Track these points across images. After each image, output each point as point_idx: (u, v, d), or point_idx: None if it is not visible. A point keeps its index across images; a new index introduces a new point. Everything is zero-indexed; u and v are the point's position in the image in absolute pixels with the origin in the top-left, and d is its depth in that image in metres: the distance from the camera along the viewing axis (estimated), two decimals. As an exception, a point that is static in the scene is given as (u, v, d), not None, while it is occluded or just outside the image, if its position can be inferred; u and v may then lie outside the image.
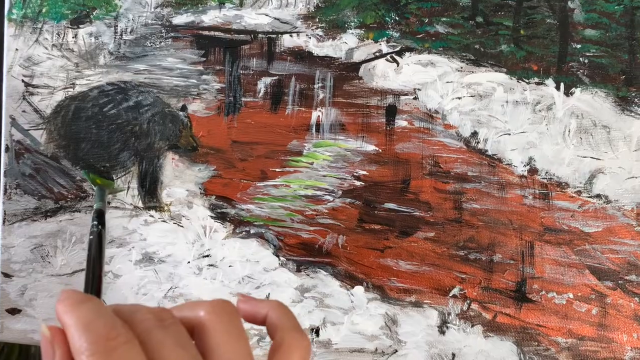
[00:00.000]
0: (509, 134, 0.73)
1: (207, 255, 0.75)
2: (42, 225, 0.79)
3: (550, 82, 0.72)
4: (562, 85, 0.72)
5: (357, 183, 0.75)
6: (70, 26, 0.77)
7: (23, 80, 0.77)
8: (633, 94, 0.71)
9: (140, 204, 0.77)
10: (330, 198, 0.75)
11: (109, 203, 0.70)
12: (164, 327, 0.29)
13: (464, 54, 0.73)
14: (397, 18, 0.73)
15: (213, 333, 0.29)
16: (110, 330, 0.26)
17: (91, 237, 0.36)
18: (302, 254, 0.75)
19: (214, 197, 0.76)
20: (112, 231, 0.76)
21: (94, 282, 0.32)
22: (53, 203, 0.78)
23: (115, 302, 0.69)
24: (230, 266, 0.75)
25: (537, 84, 0.72)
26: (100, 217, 0.35)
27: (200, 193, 0.76)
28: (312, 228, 0.75)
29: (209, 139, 0.76)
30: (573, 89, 0.72)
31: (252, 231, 0.75)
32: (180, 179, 0.76)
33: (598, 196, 0.72)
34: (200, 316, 0.30)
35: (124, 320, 0.28)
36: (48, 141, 0.78)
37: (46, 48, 0.77)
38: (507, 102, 0.72)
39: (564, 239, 0.73)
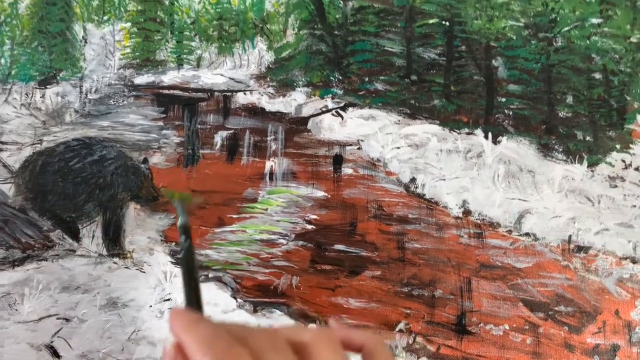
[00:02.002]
0: (444, 180, 0.85)
1: (168, 299, 0.85)
2: (10, 274, 0.88)
3: (479, 132, 0.85)
4: (490, 135, 0.85)
5: (309, 227, 0.86)
6: (38, 87, 0.88)
7: (-7, 138, 0.88)
8: (553, 142, 0.85)
9: (105, 252, 0.87)
10: (284, 241, 0.86)
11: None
12: (277, 350, 0.31)
13: (401, 109, 0.86)
14: (340, 77, 0.86)
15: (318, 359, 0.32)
16: (231, 349, 0.29)
17: (182, 253, 0.39)
18: (259, 295, 0.85)
19: (173, 243, 0.86)
20: (78, 278, 0.86)
21: (195, 298, 0.35)
22: (20, 253, 0.88)
23: (80, 346, 0.80)
24: (190, 309, 0.85)
25: (468, 134, 0.85)
26: (186, 232, 0.38)
27: (161, 240, 0.87)
28: (267, 270, 0.86)
29: (170, 189, 0.87)
30: (500, 138, 0.85)
31: (211, 275, 0.86)
32: (142, 227, 0.87)
33: (527, 234, 0.84)
34: (306, 341, 0.32)
35: (238, 340, 0.30)
36: (16, 194, 0.88)
37: (15, 107, 0.88)
38: (441, 150, 0.85)
39: (498, 275, 0.85)
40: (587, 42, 0.81)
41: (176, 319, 0.32)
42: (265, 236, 0.85)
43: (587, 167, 0.82)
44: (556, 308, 0.83)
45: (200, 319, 0.32)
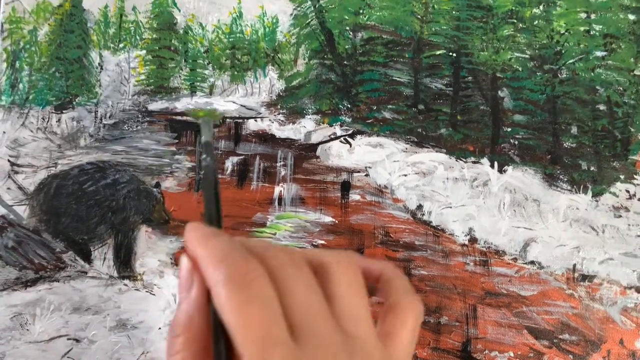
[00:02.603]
0: (451, 207, 0.89)
1: (177, 322, 0.88)
2: (22, 295, 0.91)
3: (485, 161, 0.88)
4: (495, 164, 0.88)
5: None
6: (54, 111, 0.93)
7: (9, 160, 0.92)
8: (558, 172, 0.88)
9: (115, 274, 0.91)
10: (292, 266, 0.89)
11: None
12: (296, 267, 0.30)
13: (408, 137, 0.89)
14: (349, 105, 0.90)
15: (338, 283, 0.31)
16: (246, 264, 0.28)
17: (203, 171, 0.39)
18: (266, 319, 0.88)
19: (184, 266, 0.90)
20: (89, 299, 0.89)
21: (215, 215, 0.34)
22: (33, 273, 0.91)
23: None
24: (198, 332, 0.88)
25: (474, 162, 0.89)
26: (209, 149, 0.37)
27: (171, 263, 0.90)
28: (274, 294, 0.89)
29: (180, 213, 0.91)
30: (506, 167, 0.88)
31: (219, 298, 0.89)
32: (152, 250, 0.90)
33: (532, 262, 0.87)
34: (325, 262, 0.32)
35: (254, 254, 0.29)
36: (30, 216, 0.92)
37: (31, 131, 0.92)
38: (447, 178, 0.89)
39: (503, 302, 0.87)
40: (592, 74, 0.85)
41: (191, 233, 0.31)
42: (273, 261, 0.87)
43: (592, 197, 0.85)
44: (561, 336, 0.85)
45: (216, 233, 0.31)
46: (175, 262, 0.89)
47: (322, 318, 0.29)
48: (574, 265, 0.85)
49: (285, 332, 0.27)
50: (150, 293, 0.89)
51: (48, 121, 0.90)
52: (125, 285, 0.90)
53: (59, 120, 0.90)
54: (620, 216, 0.85)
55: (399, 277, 0.36)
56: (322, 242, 0.88)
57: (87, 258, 0.89)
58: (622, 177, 0.86)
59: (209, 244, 0.30)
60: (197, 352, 0.29)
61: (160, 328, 0.88)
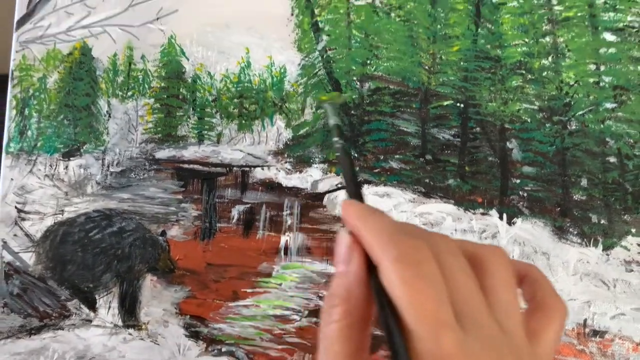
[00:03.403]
0: (459, 259, 0.90)
1: (181, 373, 0.90)
2: (26, 343, 0.93)
3: (494, 212, 0.90)
4: (504, 216, 0.90)
5: (322, 303, 0.91)
6: (62, 158, 0.96)
7: (16, 207, 0.95)
8: (568, 224, 0.89)
9: (120, 323, 0.92)
10: (297, 317, 0.91)
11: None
12: (454, 255, 0.31)
13: (416, 187, 0.91)
14: (356, 155, 0.92)
15: (492, 275, 0.32)
16: (415, 243, 0.29)
17: (338, 154, 0.41)
18: (271, 371, 0.90)
19: (188, 316, 0.91)
20: (93, 348, 0.90)
21: (358, 193, 0.36)
22: (38, 321, 0.93)
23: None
24: (202, 383, 0.89)
25: (482, 214, 0.90)
26: (340, 132, 0.41)
27: (176, 312, 0.92)
28: (280, 347, 0.90)
29: (186, 262, 0.93)
30: (515, 219, 0.90)
31: (223, 349, 0.90)
32: (157, 299, 0.92)
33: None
34: (481, 254, 0.33)
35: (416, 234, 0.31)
36: (36, 263, 0.94)
37: (39, 178, 0.95)
38: (455, 230, 0.90)
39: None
40: (602, 126, 0.87)
41: (352, 209, 0.33)
42: (278, 311, 0.89)
43: (602, 250, 0.86)
44: (572, 394, 0.86)
45: (376, 210, 0.33)
46: (180, 311, 0.90)
47: (483, 309, 0.30)
48: (585, 320, 0.86)
49: (453, 317, 0.28)
50: (155, 343, 0.91)
51: (55, 168, 0.92)
52: (130, 334, 0.92)
53: (66, 168, 0.93)
54: (631, 270, 0.86)
55: (545, 278, 0.37)
56: (328, 293, 0.89)
57: (92, 306, 0.91)
58: (633, 230, 0.87)
59: (372, 220, 0.32)
60: (353, 322, 0.31)
61: (163, 379, 0.90)
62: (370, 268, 0.31)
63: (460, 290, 0.29)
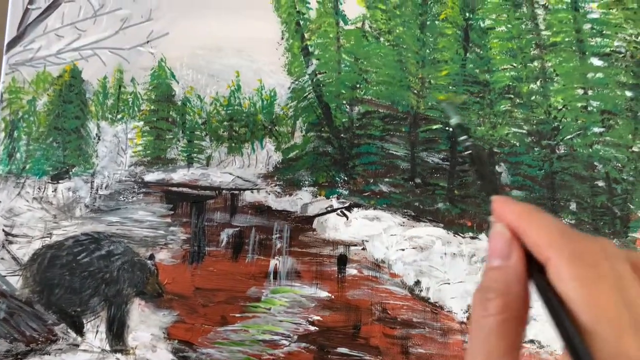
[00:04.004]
0: (449, 283, 0.90)
1: (168, 399, 0.90)
2: (12, 368, 0.93)
3: (483, 236, 0.91)
4: (494, 239, 0.90)
5: (312, 328, 0.91)
6: (50, 181, 0.96)
7: (4, 230, 0.95)
8: (557, 248, 0.90)
9: (108, 347, 0.92)
10: (287, 343, 0.91)
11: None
12: (622, 261, 0.30)
13: (405, 210, 0.92)
14: (345, 178, 0.94)
15: None
16: (590, 244, 0.30)
17: (468, 151, 0.40)
18: (259, 397, 0.90)
19: (176, 341, 0.91)
20: (79, 374, 0.90)
21: (497, 189, 0.35)
22: (24, 346, 0.93)
23: None
24: (190, 410, 0.89)
25: (472, 238, 0.91)
26: (463, 129, 0.41)
27: (164, 337, 0.92)
28: (269, 372, 0.90)
29: (174, 286, 0.93)
30: (504, 243, 0.90)
31: (211, 375, 0.90)
32: (145, 323, 0.92)
33: (532, 341, 0.88)
34: None
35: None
36: (23, 287, 0.94)
37: (27, 201, 0.96)
38: (445, 254, 0.91)
39: None
40: (590, 150, 0.88)
41: (509, 206, 0.33)
42: (267, 336, 0.90)
43: (592, 274, 0.86)
44: (563, 419, 0.85)
45: (538, 208, 0.33)
46: (168, 336, 0.91)
47: None
48: (575, 345, 0.85)
49: (632, 322, 0.27)
50: (142, 368, 0.90)
51: (44, 191, 0.93)
52: (118, 359, 0.91)
53: (55, 190, 0.93)
54: (621, 295, 0.86)
55: None
56: (318, 317, 0.90)
57: (80, 331, 0.92)
58: (622, 254, 0.87)
59: (537, 217, 0.32)
60: (509, 317, 0.31)
61: (151, 405, 0.89)
62: (531, 265, 0.31)
63: (633, 296, 0.29)
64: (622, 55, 0.91)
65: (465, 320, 0.90)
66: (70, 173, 0.97)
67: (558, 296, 0.30)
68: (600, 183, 0.91)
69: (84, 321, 0.94)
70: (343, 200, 0.94)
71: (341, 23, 0.97)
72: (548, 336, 0.89)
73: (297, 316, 0.92)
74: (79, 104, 0.98)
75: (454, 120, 0.42)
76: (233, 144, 0.96)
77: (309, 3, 0.97)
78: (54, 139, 0.98)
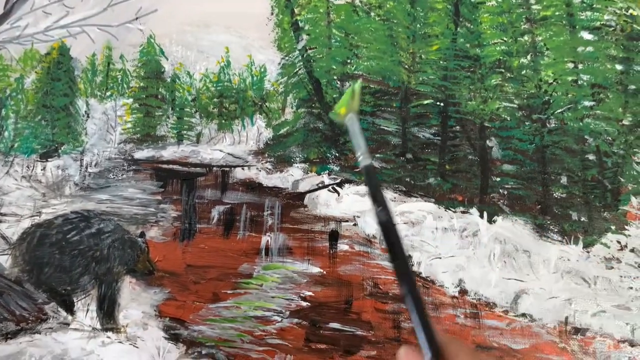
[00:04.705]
0: (440, 258, 0.91)
1: (160, 376, 0.90)
2: (2, 347, 0.93)
3: (474, 211, 0.92)
4: (485, 214, 0.92)
5: (304, 304, 0.92)
6: (39, 160, 0.96)
7: (-8, 209, 0.95)
8: (548, 222, 0.91)
9: (99, 326, 0.93)
10: (279, 318, 0.92)
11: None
12: None
13: (397, 186, 0.93)
14: (337, 154, 0.94)
15: None
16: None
17: (380, 221, 0.34)
18: (252, 373, 0.90)
19: (168, 318, 0.92)
20: (71, 352, 0.91)
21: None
22: (14, 325, 0.93)
23: None
24: (182, 386, 0.90)
25: (463, 212, 0.92)
26: (377, 199, 0.34)
27: (155, 315, 0.92)
28: (261, 348, 0.91)
29: (165, 264, 0.94)
30: (495, 217, 0.92)
31: (203, 352, 0.91)
32: (136, 301, 0.93)
33: (523, 315, 0.90)
34: None
35: None
36: (13, 266, 0.95)
37: (16, 179, 0.96)
38: (436, 228, 0.92)
39: (494, 356, 0.89)
40: (580, 124, 0.89)
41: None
42: (259, 313, 0.90)
43: (583, 248, 0.88)
44: (554, 392, 0.87)
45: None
46: (159, 314, 0.91)
47: None
48: (566, 318, 0.87)
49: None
50: (134, 346, 0.91)
51: (33, 169, 0.93)
52: (109, 337, 0.92)
53: (44, 169, 0.93)
54: (612, 267, 0.88)
55: None
56: (310, 293, 0.90)
57: (70, 309, 0.92)
58: (613, 227, 0.89)
59: None
60: None
61: (143, 382, 0.90)
62: None
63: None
64: (612, 28, 0.92)
65: (456, 294, 0.91)
66: (59, 151, 0.97)
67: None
68: (591, 156, 0.92)
69: (74, 300, 0.94)
70: (334, 176, 0.95)
71: (331, -1, 0.97)
72: (539, 309, 0.90)
73: (289, 292, 0.93)
74: (67, 81, 0.98)
75: (362, 159, 0.35)
76: (223, 121, 0.97)
77: (299, -21, 0.97)
78: (42, 116, 0.98)
